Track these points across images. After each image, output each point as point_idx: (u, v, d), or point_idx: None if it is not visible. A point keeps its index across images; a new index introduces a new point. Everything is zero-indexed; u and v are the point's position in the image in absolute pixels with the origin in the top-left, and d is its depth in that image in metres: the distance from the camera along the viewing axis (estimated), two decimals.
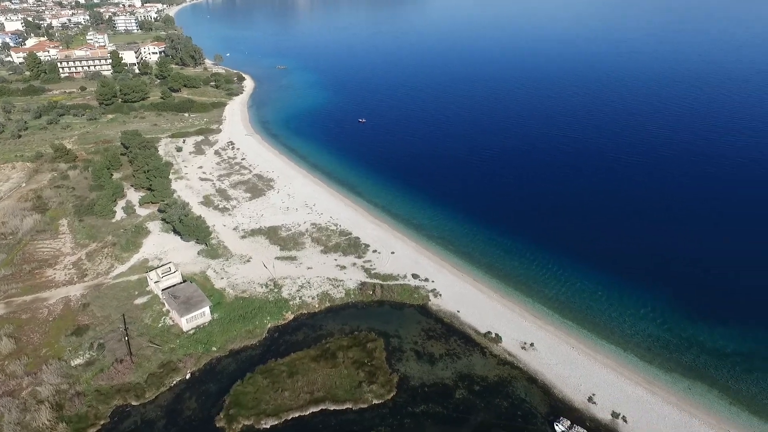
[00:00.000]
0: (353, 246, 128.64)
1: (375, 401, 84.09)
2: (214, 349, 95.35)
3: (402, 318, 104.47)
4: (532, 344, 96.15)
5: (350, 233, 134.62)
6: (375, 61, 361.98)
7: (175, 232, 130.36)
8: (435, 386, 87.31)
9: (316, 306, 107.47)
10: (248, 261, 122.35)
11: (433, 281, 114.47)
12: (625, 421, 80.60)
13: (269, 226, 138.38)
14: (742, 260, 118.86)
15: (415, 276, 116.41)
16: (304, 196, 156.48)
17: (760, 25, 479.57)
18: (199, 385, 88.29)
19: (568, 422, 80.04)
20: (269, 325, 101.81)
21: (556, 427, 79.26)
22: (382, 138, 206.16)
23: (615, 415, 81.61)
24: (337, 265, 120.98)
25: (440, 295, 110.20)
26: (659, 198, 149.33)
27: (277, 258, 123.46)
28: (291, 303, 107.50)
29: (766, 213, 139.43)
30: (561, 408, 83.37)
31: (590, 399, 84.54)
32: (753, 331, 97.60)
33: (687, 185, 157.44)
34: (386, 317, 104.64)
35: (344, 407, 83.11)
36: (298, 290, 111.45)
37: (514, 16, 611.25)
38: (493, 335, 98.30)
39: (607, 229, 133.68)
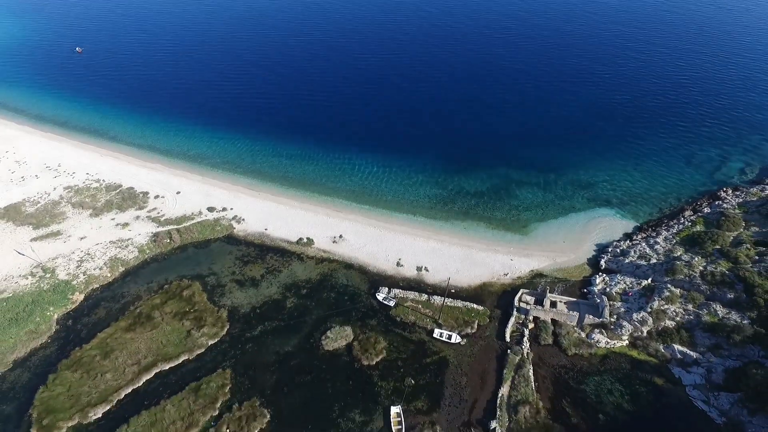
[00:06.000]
0: (130, 198, 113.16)
1: (211, 342, 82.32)
2: None
3: (211, 254, 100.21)
4: (341, 236, 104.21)
5: (120, 185, 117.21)
6: None
7: None
8: (265, 305, 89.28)
9: (109, 275, 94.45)
10: None
11: (231, 208, 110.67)
12: (427, 270, 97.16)
13: (4, 206, 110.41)
14: (475, 123, 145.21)
15: (211, 209, 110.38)
16: (40, 158, 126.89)
17: None
18: None
19: (386, 289, 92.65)
20: (55, 316, 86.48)
21: (378, 296, 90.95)
22: (114, 66, 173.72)
23: (419, 268, 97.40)
24: (118, 224, 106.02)
25: (243, 219, 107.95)
26: (417, 85, 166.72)
27: (35, 239, 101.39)
28: (75, 282, 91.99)
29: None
30: (378, 279, 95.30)
31: (398, 263, 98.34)
32: (494, 171, 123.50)
33: (422, 71, 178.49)
34: (194, 259, 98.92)
35: (180, 361, 79.43)
36: (78, 266, 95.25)
37: None
38: (305, 240, 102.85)
39: (377, 119, 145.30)
